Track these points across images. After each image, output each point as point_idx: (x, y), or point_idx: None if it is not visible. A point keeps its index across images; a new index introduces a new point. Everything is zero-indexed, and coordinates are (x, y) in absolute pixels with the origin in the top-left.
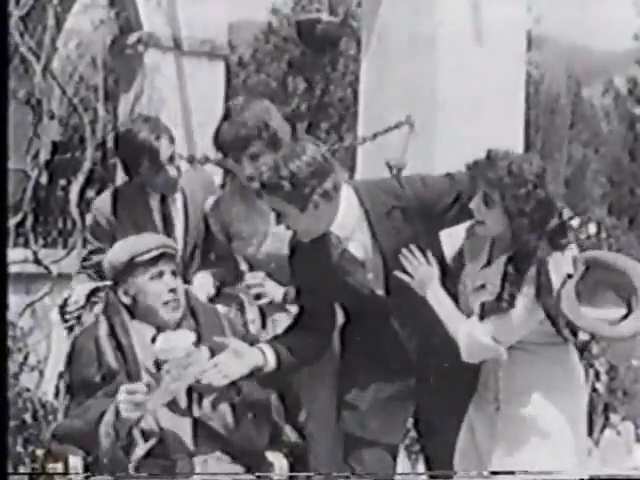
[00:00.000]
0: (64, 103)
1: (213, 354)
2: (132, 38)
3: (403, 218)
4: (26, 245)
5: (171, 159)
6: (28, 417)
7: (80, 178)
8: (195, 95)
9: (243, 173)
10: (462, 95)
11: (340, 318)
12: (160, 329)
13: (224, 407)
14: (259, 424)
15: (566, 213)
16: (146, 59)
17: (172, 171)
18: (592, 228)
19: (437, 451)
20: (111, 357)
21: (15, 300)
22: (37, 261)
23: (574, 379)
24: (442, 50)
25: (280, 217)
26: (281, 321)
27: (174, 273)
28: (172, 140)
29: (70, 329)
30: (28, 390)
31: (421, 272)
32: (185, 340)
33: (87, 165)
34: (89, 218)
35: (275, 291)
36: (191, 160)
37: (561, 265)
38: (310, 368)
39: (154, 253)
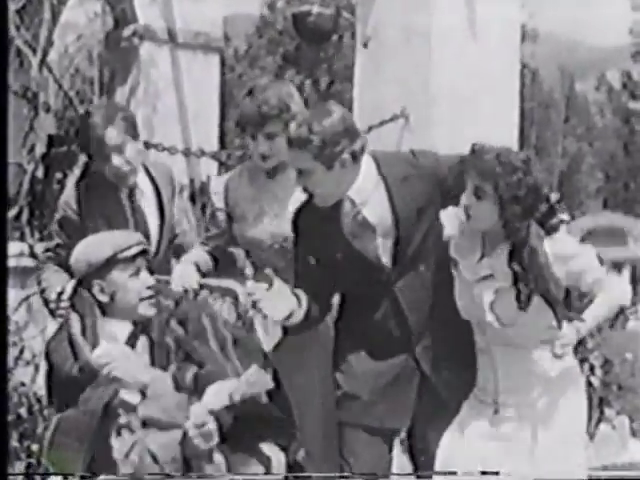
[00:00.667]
0: (60, 96)
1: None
2: (127, 31)
3: (418, 185)
4: (22, 239)
5: (119, 149)
6: (23, 411)
7: (76, 171)
8: (190, 88)
9: (257, 150)
10: (457, 89)
11: (335, 305)
12: (137, 324)
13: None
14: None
15: (553, 197)
16: (141, 52)
17: (117, 161)
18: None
19: (428, 446)
20: (87, 352)
21: (10, 294)
22: (33, 255)
23: (572, 376)
24: (437, 44)
25: (303, 176)
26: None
27: (149, 269)
28: (127, 129)
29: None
30: (23, 385)
31: None
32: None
33: (83, 158)
34: (59, 210)
35: (274, 310)
36: (186, 153)
37: (554, 248)
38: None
39: (134, 250)
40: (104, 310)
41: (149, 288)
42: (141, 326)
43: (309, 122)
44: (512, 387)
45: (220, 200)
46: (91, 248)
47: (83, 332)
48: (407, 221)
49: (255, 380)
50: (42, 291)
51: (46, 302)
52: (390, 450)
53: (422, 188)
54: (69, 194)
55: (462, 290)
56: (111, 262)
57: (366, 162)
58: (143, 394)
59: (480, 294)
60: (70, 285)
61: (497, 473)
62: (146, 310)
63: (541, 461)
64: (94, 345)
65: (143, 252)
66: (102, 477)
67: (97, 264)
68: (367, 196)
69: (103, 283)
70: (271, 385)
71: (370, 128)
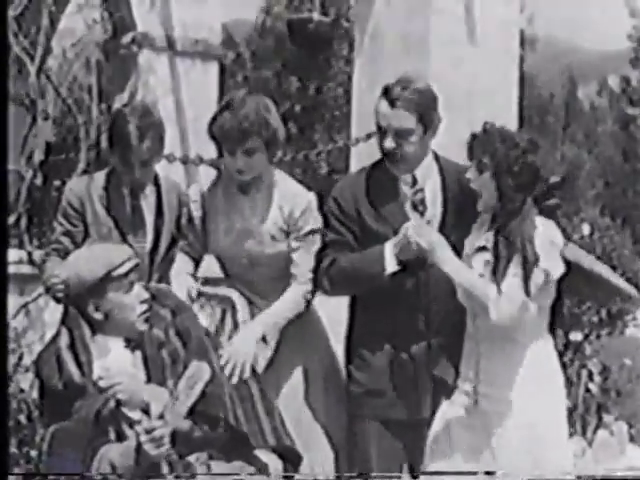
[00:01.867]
0: (58, 104)
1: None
2: (126, 38)
3: (467, 190)
4: (21, 246)
5: (144, 164)
6: (23, 418)
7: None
8: (189, 95)
9: (235, 166)
10: (455, 95)
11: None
12: (130, 341)
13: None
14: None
15: (553, 178)
16: (140, 59)
17: (138, 173)
18: (586, 229)
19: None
20: (72, 367)
21: (9, 301)
22: (31, 262)
23: (555, 370)
24: (435, 50)
25: (401, 136)
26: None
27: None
28: (155, 142)
29: None
30: (22, 391)
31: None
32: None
33: (81, 166)
34: (63, 200)
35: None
36: (185, 160)
37: (548, 232)
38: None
39: (127, 266)
40: (95, 327)
41: (143, 302)
42: (134, 342)
43: (413, 86)
44: (493, 379)
45: (198, 208)
46: (83, 266)
47: (72, 346)
48: (453, 215)
49: (193, 373)
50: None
51: (47, 289)
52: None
53: (468, 193)
54: (78, 184)
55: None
56: (105, 280)
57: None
58: (145, 412)
59: (476, 267)
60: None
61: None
62: (142, 325)
63: (519, 458)
64: (88, 361)
65: (135, 265)
66: (99, 477)
67: (91, 283)
68: (426, 178)
69: (99, 302)
70: (208, 376)
71: (369, 135)
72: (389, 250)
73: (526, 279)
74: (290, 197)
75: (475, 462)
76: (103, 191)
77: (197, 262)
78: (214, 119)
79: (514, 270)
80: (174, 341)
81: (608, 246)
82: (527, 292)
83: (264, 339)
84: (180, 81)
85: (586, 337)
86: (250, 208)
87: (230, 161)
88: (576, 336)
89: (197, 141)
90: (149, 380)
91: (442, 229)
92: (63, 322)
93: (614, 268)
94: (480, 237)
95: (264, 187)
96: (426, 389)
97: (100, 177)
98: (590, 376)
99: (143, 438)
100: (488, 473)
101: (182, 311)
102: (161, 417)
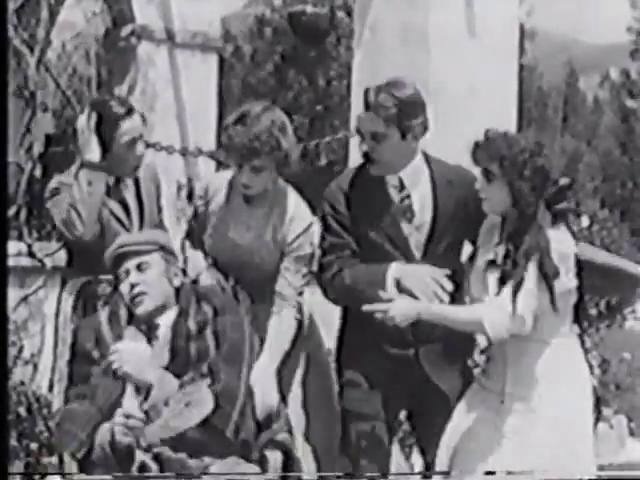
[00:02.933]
0: (58, 96)
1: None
2: (125, 30)
3: (460, 193)
4: (20, 238)
5: (141, 137)
6: (22, 411)
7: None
8: (188, 87)
9: (240, 180)
10: (455, 88)
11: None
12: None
13: None
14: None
15: (562, 180)
16: (139, 51)
17: (140, 148)
18: (585, 221)
19: (431, 441)
20: (109, 338)
21: (9, 293)
22: (31, 254)
23: (581, 369)
24: (435, 42)
25: (375, 141)
26: None
27: (139, 267)
28: (144, 120)
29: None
30: (22, 384)
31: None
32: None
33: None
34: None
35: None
36: (184, 152)
37: (561, 243)
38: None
39: (118, 251)
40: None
41: (132, 287)
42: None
43: (388, 90)
44: (521, 379)
45: (201, 205)
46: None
47: (109, 322)
48: (444, 220)
49: (193, 393)
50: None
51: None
52: (389, 443)
53: (464, 195)
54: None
55: (475, 279)
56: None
57: (419, 152)
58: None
59: (489, 281)
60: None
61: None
62: (137, 310)
63: (545, 456)
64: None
65: (128, 254)
66: (99, 477)
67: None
68: (414, 183)
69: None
70: (209, 409)
71: None
72: (390, 279)
73: (551, 293)
74: (290, 218)
75: (501, 461)
76: (89, 186)
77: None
78: (226, 128)
79: (528, 285)
80: (208, 339)
81: (606, 238)
82: (554, 306)
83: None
84: (179, 73)
85: (585, 330)
86: (250, 221)
87: (236, 174)
88: (575, 329)
89: (196, 133)
90: (167, 369)
91: (432, 235)
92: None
93: None
94: (490, 249)
95: (267, 203)
96: (403, 389)
97: (83, 176)
98: (589, 369)
99: (118, 419)
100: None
101: (226, 312)
102: (146, 413)
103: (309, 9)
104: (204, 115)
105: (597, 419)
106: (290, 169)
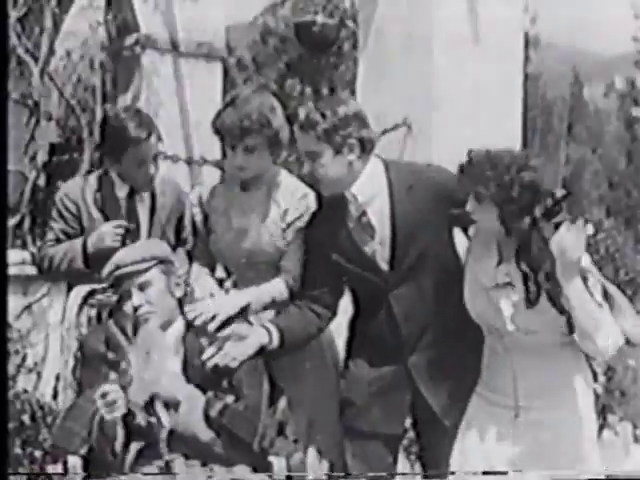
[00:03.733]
0: (62, 105)
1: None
2: (129, 40)
3: (423, 196)
4: (24, 247)
5: (155, 157)
6: (26, 418)
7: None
8: (193, 97)
9: (234, 162)
10: (459, 95)
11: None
12: None
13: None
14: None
15: (559, 192)
16: (143, 61)
17: (152, 169)
18: (590, 229)
19: (436, 452)
20: (123, 341)
21: (13, 302)
22: (35, 262)
23: (586, 378)
24: (439, 50)
25: (311, 159)
26: None
27: (141, 287)
28: (160, 138)
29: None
30: (26, 391)
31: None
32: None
33: (85, 167)
34: (58, 202)
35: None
36: (189, 161)
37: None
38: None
39: (115, 273)
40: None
41: (135, 309)
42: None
43: (320, 107)
44: (533, 391)
45: (198, 213)
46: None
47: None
48: (405, 230)
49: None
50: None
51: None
52: (394, 456)
53: (427, 199)
54: (74, 187)
55: (475, 295)
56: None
57: (374, 162)
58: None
59: (497, 301)
60: (81, 294)
61: (505, 473)
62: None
63: (562, 463)
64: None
65: (126, 276)
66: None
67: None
68: (371, 197)
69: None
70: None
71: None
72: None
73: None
74: (289, 198)
75: (520, 474)
76: (97, 194)
77: (212, 268)
78: (218, 114)
79: (598, 298)
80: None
81: (612, 246)
82: (599, 304)
83: (245, 310)
84: (184, 83)
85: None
86: (250, 206)
87: (231, 157)
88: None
89: (201, 142)
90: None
91: (395, 248)
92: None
93: (617, 269)
94: (489, 268)
95: (264, 185)
96: (399, 406)
97: (93, 180)
98: (594, 376)
99: (99, 402)
100: (498, 473)
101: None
102: (122, 387)
103: (320, 19)
104: (209, 124)
105: (602, 426)
106: (281, 149)
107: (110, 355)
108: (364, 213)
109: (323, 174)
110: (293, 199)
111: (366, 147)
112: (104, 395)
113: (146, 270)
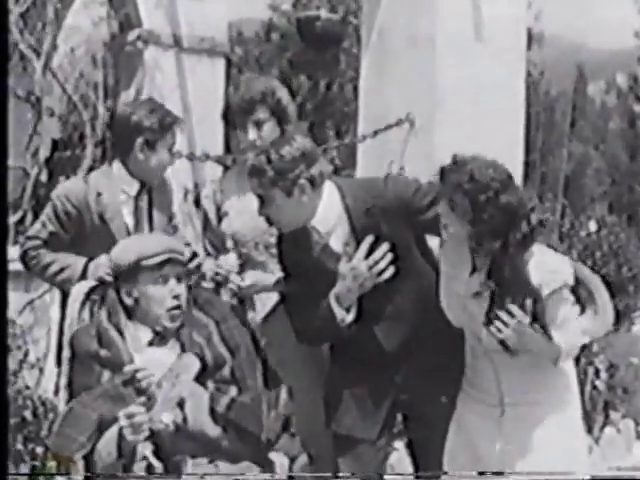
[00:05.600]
0: (64, 100)
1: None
2: (132, 35)
3: (382, 216)
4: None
5: (170, 149)
6: (28, 414)
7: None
8: (195, 93)
9: (247, 140)
10: (462, 92)
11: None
12: (157, 333)
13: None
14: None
15: (534, 218)
16: (146, 56)
17: (165, 159)
18: (592, 226)
19: (426, 449)
20: (116, 337)
21: (15, 298)
22: (22, 258)
23: (567, 376)
24: (442, 47)
25: (264, 204)
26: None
27: (179, 278)
28: (173, 135)
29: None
30: (28, 388)
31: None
32: (165, 359)
33: (87, 162)
34: (57, 203)
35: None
36: (191, 158)
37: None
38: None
39: (160, 258)
40: (130, 313)
41: (175, 297)
42: (160, 336)
43: (267, 151)
44: (516, 387)
45: (210, 202)
46: (120, 251)
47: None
48: (371, 251)
49: (179, 363)
50: (43, 269)
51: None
52: (384, 457)
53: (389, 216)
54: (77, 186)
55: (452, 302)
56: (136, 268)
57: (328, 191)
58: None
59: (471, 309)
60: (83, 289)
61: (501, 473)
62: (169, 322)
63: (550, 458)
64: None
65: (172, 261)
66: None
67: (123, 268)
68: (332, 226)
69: (130, 287)
70: (196, 369)
71: (375, 132)
72: (334, 302)
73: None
74: None
75: (510, 468)
76: (98, 197)
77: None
78: (225, 100)
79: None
80: (218, 346)
81: (615, 243)
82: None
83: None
84: (186, 78)
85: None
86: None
87: (243, 138)
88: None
89: (203, 138)
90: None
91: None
92: (103, 308)
93: (620, 265)
94: (465, 278)
95: None
96: (376, 412)
97: (94, 180)
98: (597, 373)
99: (123, 422)
100: (496, 474)
101: (226, 322)
102: (146, 407)
103: (323, 14)
104: (211, 120)
105: (604, 423)
106: (289, 122)
107: (103, 352)
108: (327, 244)
109: (279, 216)
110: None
111: (316, 183)
112: (130, 416)
113: (162, 264)
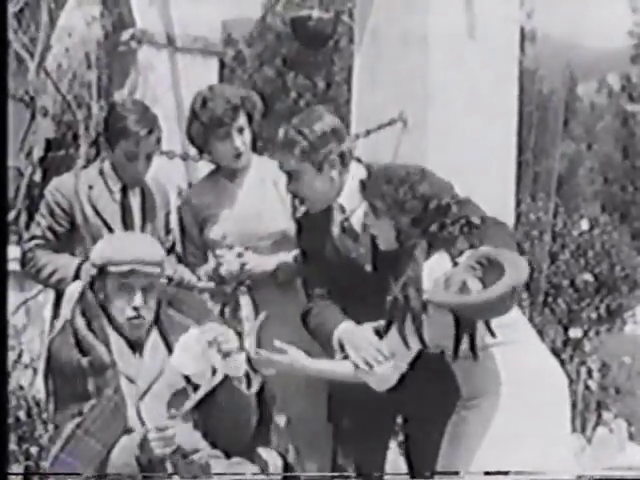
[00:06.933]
0: (58, 100)
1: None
2: (125, 35)
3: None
4: (20, 242)
5: (148, 157)
6: (22, 415)
7: (79, 162)
8: (189, 92)
9: (231, 149)
10: (455, 91)
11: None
12: (129, 342)
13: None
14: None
15: (455, 209)
16: (140, 56)
17: (142, 167)
18: (585, 225)
19: (422, 450)
20: (97, 344)
21: (9, 297)
22: (21, 260)
23: (550, 374)
24: (435, 46)
25: (293, 179)
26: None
27: (145, 289)
28: (159, 140)
29: None
30: (22, 388)
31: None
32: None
33: (81, 162)
34: (48, 196)
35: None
36: (185, 157)
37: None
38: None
39: (126, 267)
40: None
41: (135, 309)
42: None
43: (297, 126)
44: (478, 389)
45: (186, 212)
46: (96, 250)
47: (89, 328)
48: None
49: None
50: (38, 271)
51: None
52: (385, 449)
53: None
54: (66, 182)
55: None
56: (104, 272)
57: (356, 170)
58: None
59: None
60: (78, 288)
61: (506, 473)
62: (130, 331)
63: (510, 457)
64: (105, 342)
65: (137, 273)
66: (98, 478)
67: (96, 269)
68: (356, 204)
69: (99, 288)
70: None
71: (368, 132)
72: (335, 341)
73: (418, 330)
74: (278, 175)
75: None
76: (90, 190)
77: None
78: (192, 120)
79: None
80: None
81: (607, 242)
82: (407, 346)
83: None
84: (180, 78)
85: (585, 334)
86: (242, 192)
87: (226, 147)
88: (575, 333)
89: None
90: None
91: (376, 249)
92: (79, 308)
93: (613, 265)
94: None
95: (250, 169)
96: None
97: (85, 175)
98: (589, 373)
99: (153, 435)
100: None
101: (206, 319)
102: (172, 417)
103: (315, 14)
104: None
105: (597, 423)
106: (257, 125)
107: (84, 361)
108: (347, 219)
109: (308, 191)
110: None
111: (346, 160)
112: (161, 430)
113: (128, 273)
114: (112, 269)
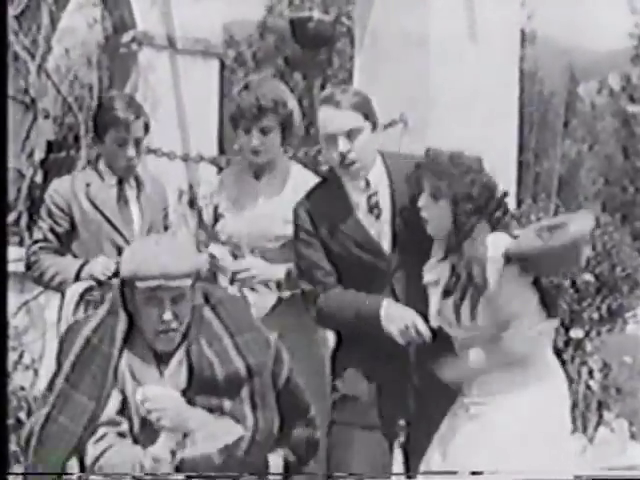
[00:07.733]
0: (59, 102)
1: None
2: (126, 37)
3: (418, 185)
4: (21, 244)
5: (137, 142)
6: (23, 415)
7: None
8: (190, 94)
9: (250, 145)
10: (456, 93)
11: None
12: (156, 354)
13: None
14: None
15: (498, 193)
16: (140, 58)
17: (133, 152)
18: None
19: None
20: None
21: (10, 299)
22: (25, 263)
23: (550, 376)
24: (435, 48)
25: (351, 136)
26: None
27: (174, 300)
28: (147, 127)
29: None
30: (23, 389)
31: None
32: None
33: (82, 163)
34: (47, 199)
35: (271, 271)
36: (185, 158)
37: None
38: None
39: (154, 283)
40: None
41: (163, 322)
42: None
43: (348, 88)
44: (487, 388)
45: (208, 204)
46: (124, 260)
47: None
48: (404, 216)
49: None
50: (41, 274)
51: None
52: (391, 448)
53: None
54: (64, 184)
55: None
56: (131, 284)
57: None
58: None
59: (430, 297)
60: (79, 289)
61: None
62: (160, 345)
63: (511, 457)
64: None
65: (165, 288)
66: (95, 477)
67: (122, 278)
68: (379, 181)
69: (128, 298)
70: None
71: None
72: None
73: (473, 307)
74: (303, 183)
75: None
76: (87, 187)
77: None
78: (232, 99)
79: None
80: (235, 361)
81: (608, 243)
82: (473, 316)
83: None
84: (181, 79)
85: (586, 334)
86: (263, 193)
87: (245, 140)
88: (577, 333)
89: (198, 139)
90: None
91: (395, 231)
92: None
93: (614, 265)
94: (434, 265)
95: (278, 172)
96: (402, 399)
97: (82, 174)
98: (590, 373)
99: (148, 463)
100: (475, 473)
101: (243, 332)
102: (173, 453)
103: (316, 15)
104: (205, 121)
105: (598, 423)
106: (292, 133)
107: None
108: (375, 194)
109: (359, 153)
110: (307, 185)
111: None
112: (157, 460)
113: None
114: (139, 284)
